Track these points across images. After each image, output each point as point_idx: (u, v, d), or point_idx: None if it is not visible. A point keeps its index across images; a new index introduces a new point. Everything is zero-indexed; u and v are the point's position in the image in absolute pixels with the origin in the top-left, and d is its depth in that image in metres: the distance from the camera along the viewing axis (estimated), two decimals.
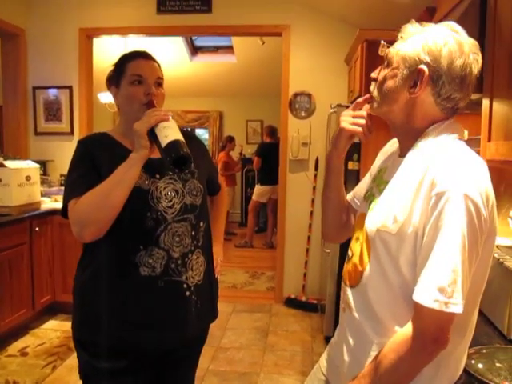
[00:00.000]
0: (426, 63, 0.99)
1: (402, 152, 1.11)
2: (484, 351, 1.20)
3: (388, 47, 1.09)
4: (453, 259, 0.88)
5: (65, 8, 4.32)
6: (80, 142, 1.48)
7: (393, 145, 1.22)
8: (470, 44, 1.00)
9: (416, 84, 1.01)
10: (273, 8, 4.18)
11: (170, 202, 1.43)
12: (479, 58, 1.01)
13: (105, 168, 1.36)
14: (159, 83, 1.49)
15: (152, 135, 1.31)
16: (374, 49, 3.04)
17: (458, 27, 1.03)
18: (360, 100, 1.15)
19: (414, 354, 0.93)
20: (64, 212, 1.38)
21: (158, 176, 1.44)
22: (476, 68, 1.01)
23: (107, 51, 5.92)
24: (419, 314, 0.92)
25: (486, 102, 1.53)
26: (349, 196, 1.34)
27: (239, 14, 4.19)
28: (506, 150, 1.38)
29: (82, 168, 1.40)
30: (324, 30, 4.19)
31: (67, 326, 3.62)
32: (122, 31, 4.41)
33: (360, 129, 1.12)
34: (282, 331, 3.77)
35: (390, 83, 1.06)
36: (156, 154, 1.42)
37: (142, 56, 1.50)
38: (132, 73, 1.46)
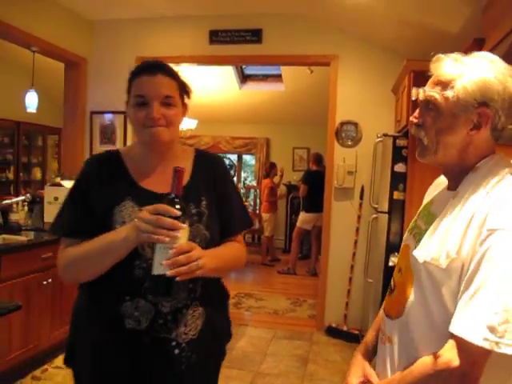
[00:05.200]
0: (484, 103, 0.99)
1: (451, 186, 1.10)
2: None
3: (424, 91, 1.06)
4: (505, 298, 0.87)
5: (124, 37, 4.58)
6: (85, 165, 1.39)
7: (441, 180, 1.20)
8: (509, 70, 1.00)
9: (479, 126, 1.00)
10: (321, 38, 4.26)
11: None
12: None
13: (98, 206, 1.30)
14: (168, 103, 1.30)
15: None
16: (421, 79, 3.03)
17: (493, 56, 1.02)
18: None
19: (438, 382, 0.93)
20: (52, 233, 1.37)
21: None
22: None
23: None
24: (457, 346, 0.90)
25: None
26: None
27: (288, 44, 4.30)
28: None
29: (74, 206, 1.34)
30: (371, 59, 4.23)
31: None
32: (176, 60, 4.59)
33: None
34: (321, 360, 3.72)
35: (447, 131, 1.03)
36: (160, 187, 1.31)
37: (147, 71, 1.31)
38: (135, 93, 1.30)
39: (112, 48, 4.60)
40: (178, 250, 1.12)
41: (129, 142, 4.59)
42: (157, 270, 1.12)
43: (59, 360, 3.37)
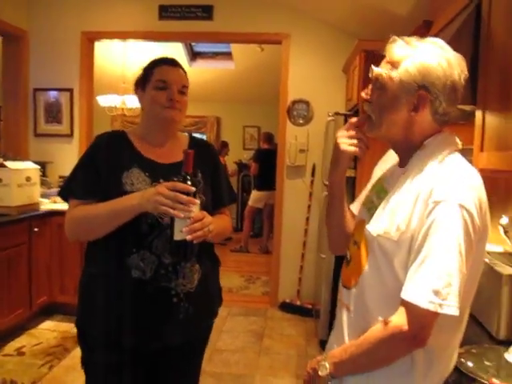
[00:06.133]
0: (424, 87, 1.04)
1: (402, 162, 1.17)
2: (474, 351, 1.26)
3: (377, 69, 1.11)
4: (448, 263, 0.94)
5: (67, 11, 4.37)
6: (94, 139, 1.57)
7: (392, 154, 1.26)
8: (456, 58, 1.06)
9: (417, 108, 1.06)
10: (273, 17, 4.25)
11: None
12: (465, 69, 1.07)
13: (108, 170, 1.48)
14: (183, 92, 1.54)
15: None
16: (371, 59, 3.10)
17: (443, 43, 1.08)
18: (353, 120, 1.18)
19: (391, 345, 1.01)
20: (62, 197, 1.55)
21: (161, 181, 1.45)
22: (463, 79, 1.06)
23: (107, 55, 5.98)
24: (406, 311, 0.98)
25: (479, 114, 1.59)
26: (353, 206, 1.36)
27: (240, 22, 4.26)
28: (497, 160, 1.44)
29: (86, 169, 1.52)
30: (323, 38, 4.27)
31: (64, 326, 3.66)
32: (124, 35, 4.47)
33: (358, 149, 1.17)
34: (276, 335, 3.81)
35: (388, 109, 1.09)
36: (163, 159, 1.53)
37: (170, 63, 1.56)
38: (157, 78, 1.51)
39: (55, 21, 4.39)
40: (195, 218, 1.32)
41: (76, 122, 4.43)
42: (177, 236, 1.31)
43: (10, 347, 3.28)
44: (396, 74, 1.06)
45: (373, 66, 1.12)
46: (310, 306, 4.23)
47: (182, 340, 1.54)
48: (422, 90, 1.04)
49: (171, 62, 1.56)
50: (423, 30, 2.36)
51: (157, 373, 1.60)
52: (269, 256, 5.58)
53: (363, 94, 1.15)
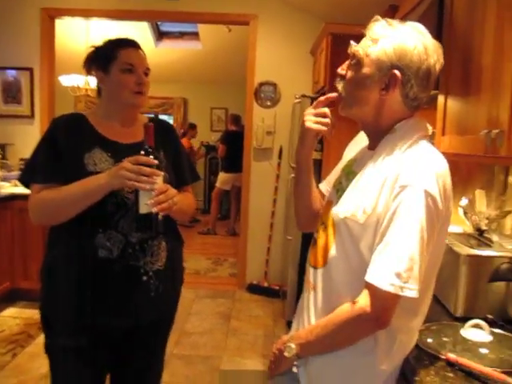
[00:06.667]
0: (397, 67, 1.04)
1: (371, 145, 1.18)
2: (433, 327, 1.31)
3: (352, 45, 1.12)
4: (411, 247, 0.97)
5: None
6: (52, 123, 1.54)
7: (363, 136, 1.26)
8: (434, 45, 1.07)
9: (388, 87, 1.07)
10: None
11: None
12: (441, 57, 1.08)
13: (69, 152, 1.46)
14: (146, 73, 1.55)
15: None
16: (338, 42, 3.11)
17: (423, 28, 1.08)
18: (322, 99, 1.18)
19: (355, 326, 1.05)
20: (23, 183, 1.53)
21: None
22: (438, 68, 1.08)
23: (70, 34, 5.78)
24: (370, 293, 1.01)
25: (441, 99, 1.63)
26: (321, 185, 1.38)
27: (206, 2, 4.18)
28: (458, 144, 1.48)
29: (47, 152, 1.48)
30: (291, 20, 4.24)
31: (27, 313, 3.59)
32: (86, 13, 4.33)
33: (325, 128, 1.17)
34: (244, 316, 3.85)
35: (361, 86, 1.10)
36: (125, 139, 1.53)
37: (134, 45, 1.56)
38: (124, 61, 1.50)
39: None
40: (159, 190, 1.34)
41: (37, 102, 4.29)
42: (142, 209, 1.33)
43: None
44: (373, 51, 1.07)
45: (352, 42, 1.13)
46: (277, 288, 4.29)
47: (154, 317, 1.57)
48: (395, 69, 1.05)
49: (135, 44, 1.56)
50: (389, 14, 2.38)
51: (125, 353, 1.61)
52: (236, 238, 5.60)
53: (339, 70, 1.15)
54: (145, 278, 1.48)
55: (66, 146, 1.46)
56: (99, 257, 1.43)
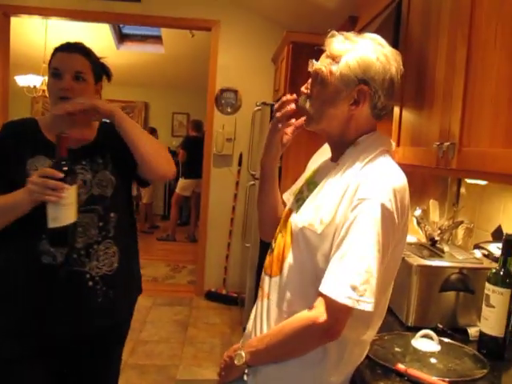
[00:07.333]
0: (363, 80, 1.05)
1: (334, 157, 1.18)
2: (386, 337, 1.32)
3: (314, 63, 1.12)
4: (367, 260, 0.97)
5: None
6: (2, 127, 1.52)
7: (327, 148, 1.26)
8: (393, 54, 1.09)
9: (357, 102, 1.07)
10: (204, 2, 4.17)
11: None
12: (401, 65, 1.10)
13: (13, 157, 1.43)
14: (80, 77, 1.47)
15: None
16: (299, 51, 3.14)
17: (382, 39, 1.10)
18: (285, 99, 1.18)
19: (305, 335, 1.04)
20: None
21: None
22: (400, 75, 1.09)
23: (27, 33, 5.59)
24: (325, 304, 1.00)
25: (396, 110, 1.65)
26: (285, 195, 1.36)
27: (169, 6, 4.14)
28: (412, 155, 1.51)
29: None
30: (253, 28, 4.25)
31: None
32: (45, 12, 4.19)
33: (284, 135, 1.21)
34: (201, 324, 3.80)
35: (329, 103, 1.10)
36: (72, 144, 1.45)
37: (66, 48, 1.50)
38: (52, 65, 1.49)
39: None
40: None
41: None
42: (51, 223, 1.28)
43: None
44: (336, 68, 1.07)
45: (313, 61, 1.13)
46: (235, 295, 4.26)
47: (104, 323, 1.52)
48: (362, 84, 1.05)
49: (67, 48, 1.50)
50: (348, 25, 2.42)
51: (76, 361, 1.55)
52: (196, 244, 5.53)
53: (303, 89, 1.15)
54: (91, 283, 1.45)
55: (12, 151, 1.44)
56: (43, 263, 1.40)
